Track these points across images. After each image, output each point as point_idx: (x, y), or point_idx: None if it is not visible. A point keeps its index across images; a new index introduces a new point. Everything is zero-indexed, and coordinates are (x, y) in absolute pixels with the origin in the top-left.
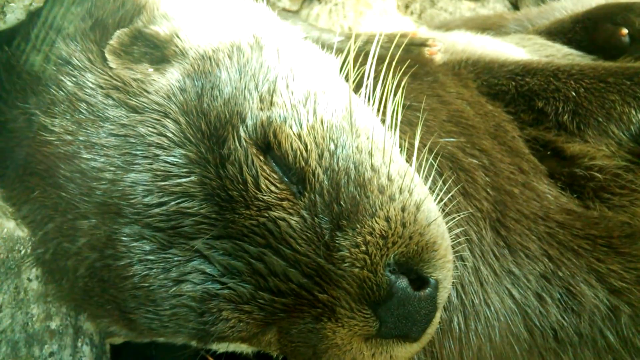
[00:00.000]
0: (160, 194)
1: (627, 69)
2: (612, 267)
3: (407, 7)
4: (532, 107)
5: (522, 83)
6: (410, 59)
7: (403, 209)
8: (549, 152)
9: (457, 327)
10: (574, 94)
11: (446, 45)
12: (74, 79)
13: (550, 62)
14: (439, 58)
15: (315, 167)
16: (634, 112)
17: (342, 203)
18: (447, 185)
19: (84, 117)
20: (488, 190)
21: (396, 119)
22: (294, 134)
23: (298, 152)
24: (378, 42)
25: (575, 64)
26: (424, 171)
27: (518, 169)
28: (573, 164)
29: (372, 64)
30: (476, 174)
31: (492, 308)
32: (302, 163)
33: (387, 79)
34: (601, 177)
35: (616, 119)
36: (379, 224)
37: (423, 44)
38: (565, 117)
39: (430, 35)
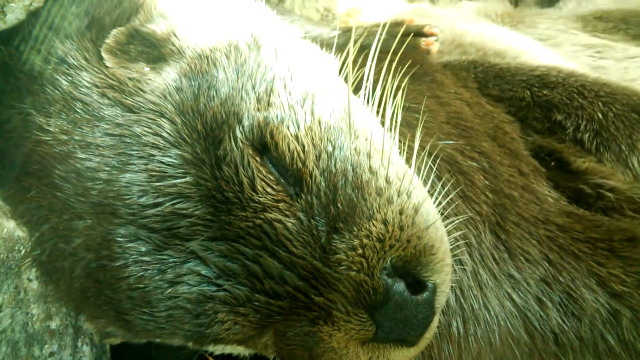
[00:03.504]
0: (155, 194)
1: None
2: (613, 271)
3: None
4: (549, 117)
5: (539, 94)
6: (406, 53)
7: (401, 212)
8: (552, 163)
9: (456, 332)
10: (600, 116)
11: (453, 36)
12: (69, 78)
13: (573, 75)
14: (436, 48)
15: (313, 169)
16: None
17: (339, 205)
18: (446, 188)
19: (79, 116)
20: (487, 193)
21: (396, 120)
22: (291, 134)
23: (295, 153)
24: (379, 40)
25: (605, 83)
26: (422, 174)
27: (517, 172)
28: (579, 179)
29: (371, 64)
30: (475, 177)
31: (491, 312)
32: (299, 164)
33: (386, 80)
34: (612, 196)
35: None
36: (376, 226)
37: (419, 32)
38: (587, 135)
39: (428, 21)
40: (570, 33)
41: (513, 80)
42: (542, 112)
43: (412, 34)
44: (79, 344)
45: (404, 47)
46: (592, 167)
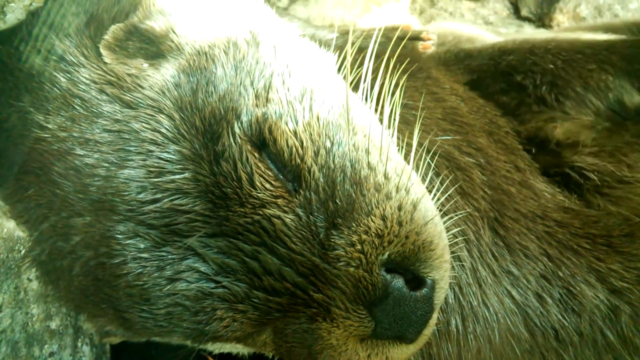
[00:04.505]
0: (154, 190)
1: (605, 41)
2: (612, 267)
3: None
4: (511, 83)
5: (499, 61)
6: (403, 54)
7: (399, 208)
8: (534, 150)
9: (455, 329)
10: (551, 66)
11: (437, 34)
12: (67, 75)
13: (525, 40)
14: (431, 52)
15: (311, 165)
16: (611, 78)
17: (337, 201)
18: (444, 184)
19: (77, 113)
20: (485, 189)
21: (394, 117)
22: (289, 130)
23: (294, 149)
24: (376, 40)
25: (552, 39)
26: (421, 170)
27: (514, 167)
28: (564, 163)
29: (370, 61)
30: (473, 173)
31: (491, 309)
32: (298, 160)
33: (384, 78)
34: (596, 176)
35: (594, 88)
36: (374, 222)
37: (417, 37)
38: (544, 89)
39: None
40: None
41: (479, 56)
42: (505, 78)
43: (408, 36)
44: (79, 344)
45: (400, 49)
46: (564, 132)
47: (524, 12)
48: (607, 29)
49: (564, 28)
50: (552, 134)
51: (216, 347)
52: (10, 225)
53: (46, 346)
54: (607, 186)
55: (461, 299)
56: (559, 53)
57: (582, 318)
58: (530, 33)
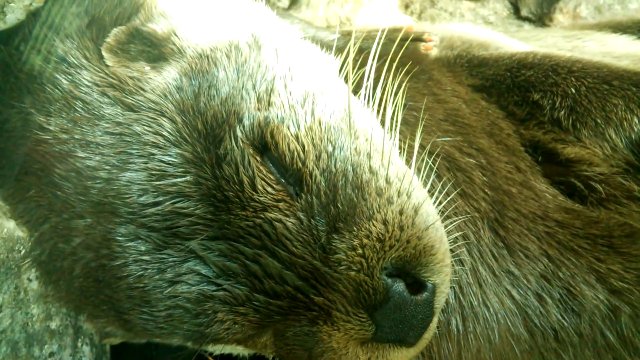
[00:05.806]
0: (155, 193)
1: (634, 74)
2: (613, 267)
3: (407, 7)
4: (526, 98)
5: (517, 74)
6: (405, 55)
7: (401, 212)
8: (540, 158)
9: (455, 329)
10: (573, 90)
11: (442, 34)
12: (69, 77)
13: (548, 56)
14: (434, 53)
15: (313, 169)
16: (636, 120)
17: (339, 205)
18: (447, 188)
19: (79, 115)
20: (486, 190)
21: (396, 120)
22: (291, 134)
23: (295, 153)
24: (379, 43)
25: (577, 60)
26: (423, 173)
27: (515, 168)
28: (569, 173)
29: (372, 65)
30: (474, 173)
31: (491, 309)
32: (300, 164)
33: (386, 80)
34: (602, 188)
35: (616, 124)
36: (376, 226)
37: (419, 38)
38: (562, 112)
39: (426, 30)
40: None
41: (495, 66)
42: (521, 93)
43: (410, 38)
44: (79, 344)
45: (402, 50)
46: (575, 154)
47: (524, 12)
48: (614, 27)
49: (569, 26)
50: (562, 152)
51: (217, 349)
52: (10, 225)
53: (46, 346)
54: (613, 201)
55: (461, 299)
56: (583, 78)
57: (582, 318)
58: (529, 30)
